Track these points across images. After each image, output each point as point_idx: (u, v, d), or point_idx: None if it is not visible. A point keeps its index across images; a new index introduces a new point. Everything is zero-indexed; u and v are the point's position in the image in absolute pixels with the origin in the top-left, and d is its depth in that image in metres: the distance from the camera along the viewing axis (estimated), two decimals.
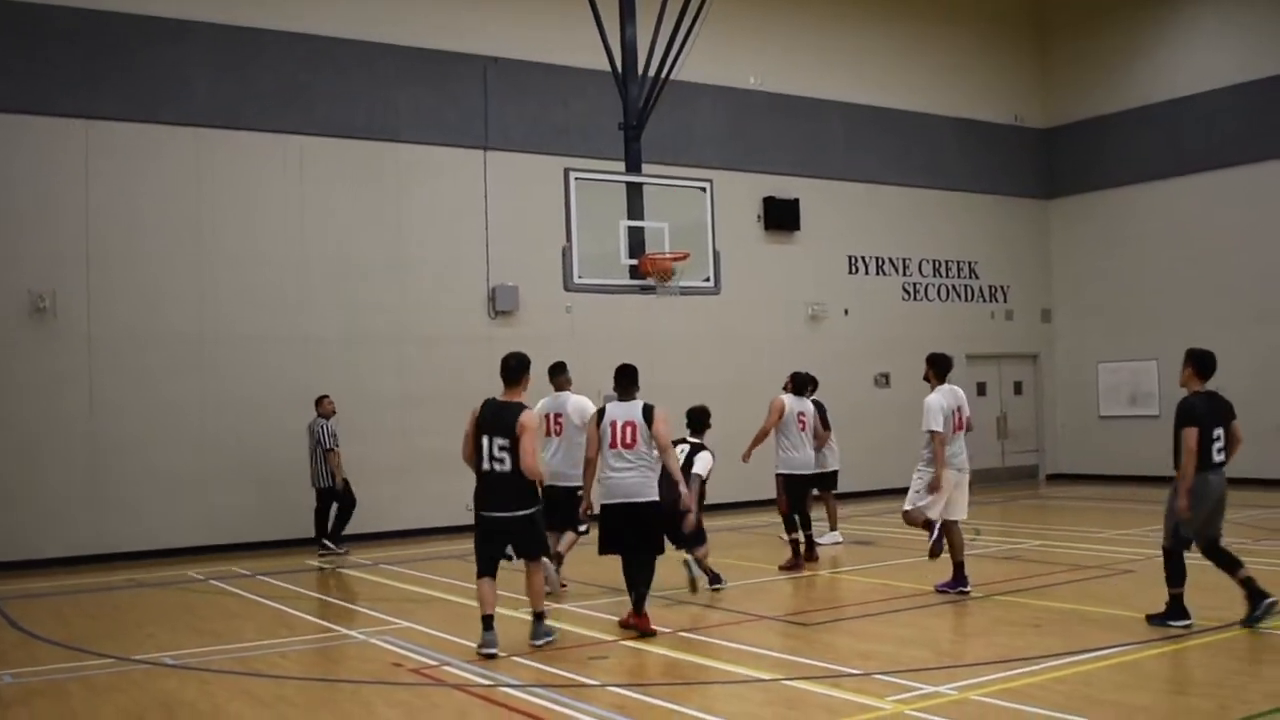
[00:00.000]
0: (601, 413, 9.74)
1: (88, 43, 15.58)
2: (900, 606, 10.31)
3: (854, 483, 20.18)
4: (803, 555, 13.20)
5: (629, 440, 9.45)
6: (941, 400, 10.69)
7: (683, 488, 9.75)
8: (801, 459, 13.35)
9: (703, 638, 9.34)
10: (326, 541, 15.45)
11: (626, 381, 9.81)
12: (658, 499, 9.55)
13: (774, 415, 13.39)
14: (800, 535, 13.22)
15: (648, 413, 9.52)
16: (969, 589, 10.71)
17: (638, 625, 9.27)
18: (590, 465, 9.79)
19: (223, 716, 7.23)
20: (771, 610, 10.62)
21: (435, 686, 7.81)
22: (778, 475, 13.42)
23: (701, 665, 8.33)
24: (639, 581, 9.42)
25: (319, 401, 15.71)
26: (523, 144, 18.43)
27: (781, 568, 13.03)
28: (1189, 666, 7.67)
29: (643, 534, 9.50)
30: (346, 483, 15.55)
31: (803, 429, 13.45)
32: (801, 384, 13.88)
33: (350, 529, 15.79)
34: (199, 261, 16.12)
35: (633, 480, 9.43)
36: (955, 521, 10.78)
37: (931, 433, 10.60)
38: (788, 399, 13.55)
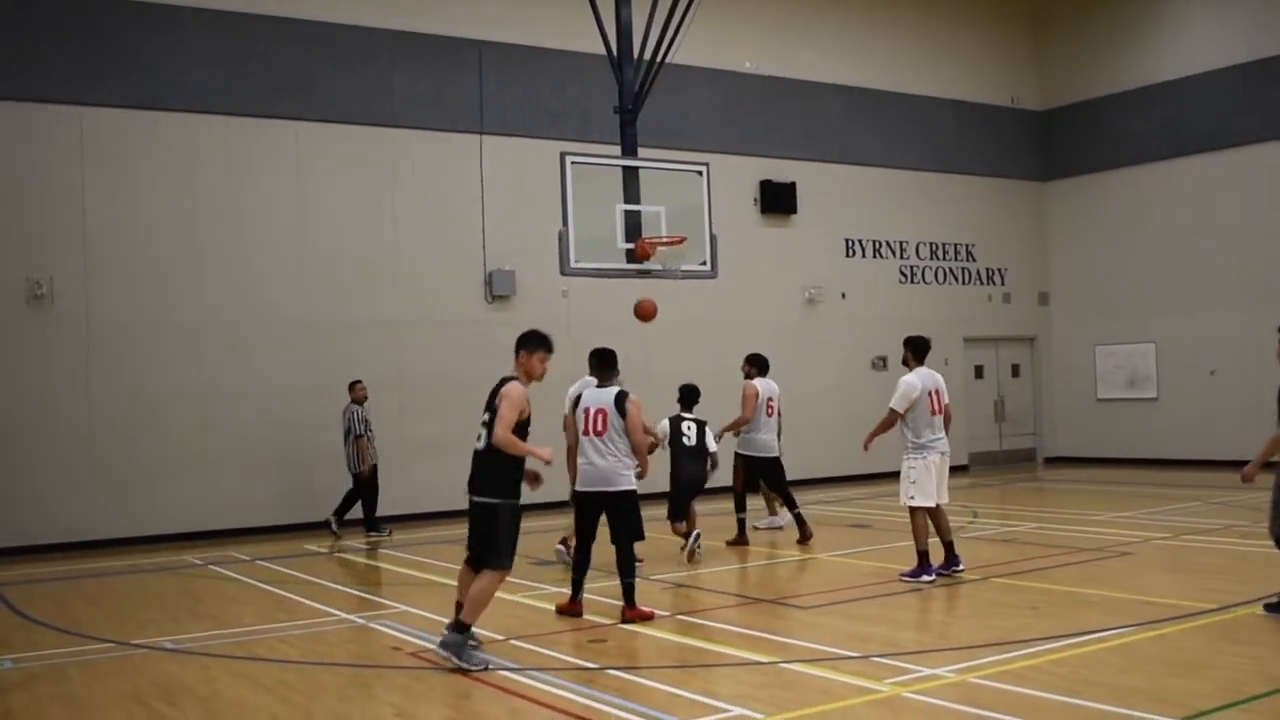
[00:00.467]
0: (579, 399, 9.72)
1: (82, 30, 15.51)
2: (897, 589, 10.32)
3: (849, 466, 20.25)
4: (799, 532, 13.53)
5: (599, 428, 9.39)
6: (918, 381, 10.69)
7: (645, 467, 9.63)
8: (764, 441, 13.61)
9: (701, 621, 9.37)
10: (371, 532, 15.54)
11: (605, 366, 9.74)
12: (633, 488, 9.50)
13: (751, 401, 13.52)
14: (744, 515, 13.69)
15: (619, 400, 9.44)
16: (962, 568, 10.75)
17: (635, 618, 9.21)
18: (571, 453, 9.77)
19: (222, 700, 7.24)
20: (769, 593, 10.65)
21: (433, 670, 7.82)
22: (738, 455, 13.62)
23: (700, 648, 8.35)
24: (622, 571, 9.40)
25: (352, 386, 15.70)
26: (518, 128, 18.38)
27: (729, 543, 13.38)
28: (1187, 649, 7.69)
29: (619, 523, 9.46)
30: (374, 469, 15.58)
31: (770, 414, 13.60)
32: (765, 365, 13.98)
33: (349, 513, 15.83)
34: (195, 248, 16.08)
35: (605, 469, 9.36)
36: (938, 505, 10.79)
37: (891, 410, 10.70)
38: (759, 384, 13.67)
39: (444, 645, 7.79)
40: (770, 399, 13.66)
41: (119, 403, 15.44)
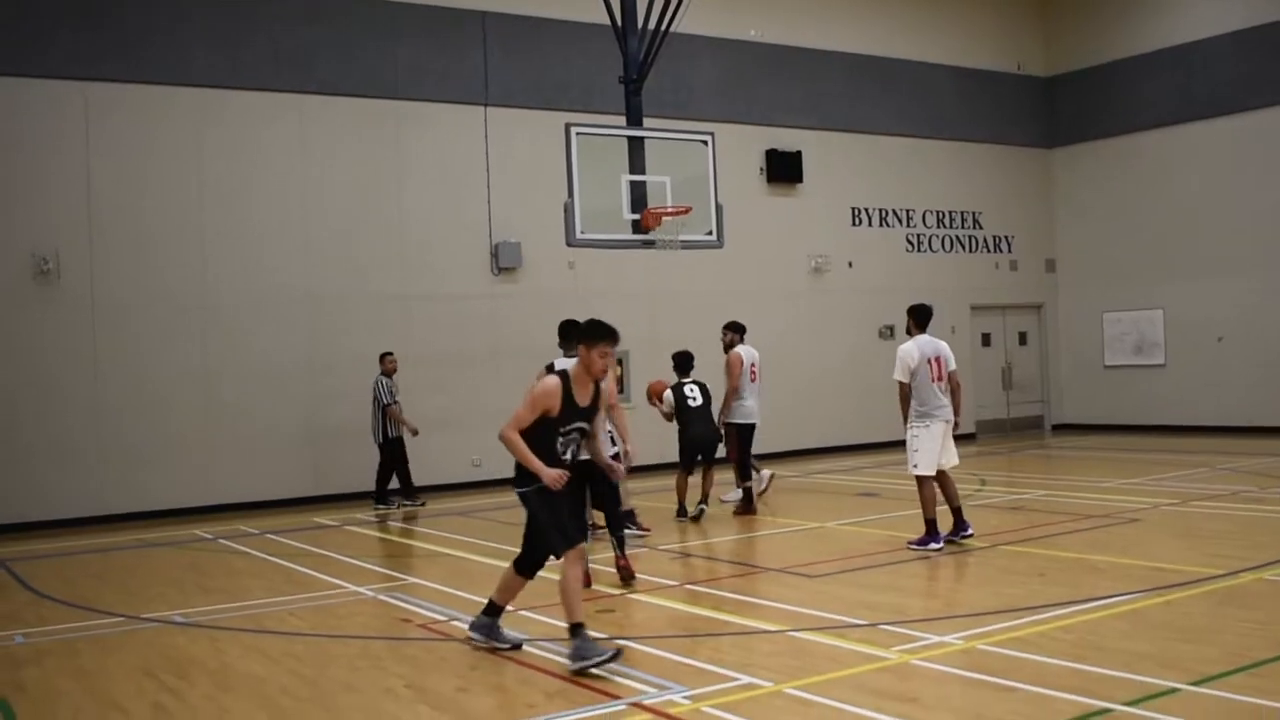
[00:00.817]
0: (549, 369, 9.68)
1: (86, 5, 15.43)
2: (905, 557, 10.33)
3: (857, 435, 20.32)
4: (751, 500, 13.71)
5: None
6: (915, 349, 10.68)
7: (630, 446, 8.67)
8: (749, 408, 13.61)
9: (708, 590, 9.38)
10: (404, 501, 15.65)
11: (567, 338, 9.70)
12: (614, 452, 9.56)
13: (736, 370, 13.51)
14: (750, 483, 13.69)
15: None
16: (971, 532, 10.76)
17: (625, 567, 9.54)
18: None
19: (232, 673, 7.27)
20: (776, 562, 10.66)
21: (443, 641, 7.85)
22: (728, 424, 13.58)
23: (707, 617, 8.36)
24: (612, 528, 9.67)
25: (382, 359, 15.82)
26: (523, 99, 18.30)
27: (736, 513, 13.45)
28: (1195, 615, 7.69)
29: (600, 490, 9.56)
30: (393, 441, 15.62)
31: (754, 380, 13.61)
32: (743, 331, 13.96)
33: (355, 486, 15.90)
34: (200, 223, 16.06)
35: None
36: (943, 472, 10.78)
37: (897, 382, 10.73)
38: (743, 351, 13.67)
39: (572, 657, 6.87)
40: (753, 364, 13.65)
41: (125, 377, 15.46)
